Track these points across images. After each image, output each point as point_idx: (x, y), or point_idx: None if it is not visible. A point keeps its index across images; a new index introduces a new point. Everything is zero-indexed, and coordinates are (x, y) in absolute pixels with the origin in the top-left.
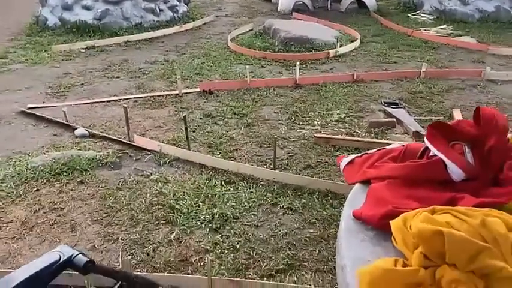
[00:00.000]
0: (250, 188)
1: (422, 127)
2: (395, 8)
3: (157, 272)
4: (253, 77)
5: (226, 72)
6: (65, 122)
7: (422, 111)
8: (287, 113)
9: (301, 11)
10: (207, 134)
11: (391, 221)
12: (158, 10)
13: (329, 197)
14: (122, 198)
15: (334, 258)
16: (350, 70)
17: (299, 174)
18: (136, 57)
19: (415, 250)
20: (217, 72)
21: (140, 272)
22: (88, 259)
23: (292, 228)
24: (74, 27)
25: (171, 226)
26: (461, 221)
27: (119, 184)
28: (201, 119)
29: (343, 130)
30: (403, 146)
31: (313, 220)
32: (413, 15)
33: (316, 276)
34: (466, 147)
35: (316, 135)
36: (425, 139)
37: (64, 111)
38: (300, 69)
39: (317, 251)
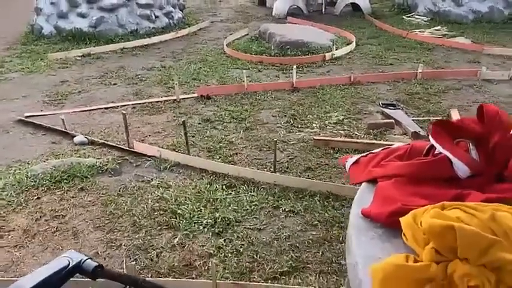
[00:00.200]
0: (251, 192)
1: (421, 128)
2: (390, 10)
3: (161, 277)
4: (250, 81)
5: (223, 77)
6: (63, 129)
7: (420, 112)
8: (285, 116)
9: (295, 15)
10: (206, 138)
11: (400, 218)
12: (153, 17)
13: (330, 199)
14: (124, 205)
15: (338, 260)
16: (347, 72)
17: (299, 176)
18: (133, 64)
19: (426, 246)
20: (214, 77)
21: (144, 277)
22: (97, 264)
23: (295, 230)
24: (70, 35)
25: (174, 231)
26: (471, 216)
27: (120, 190)
28: (199, 124)
29: (342, 132)
30: (409, 144)
31: (316, 222)
32: (407, 17)
33: (321, 278)
34: (470, 144)
35: (315, 137)
36: (430, 137)
37: (62, 119)
38: (296, 72)
39: (320, 253)
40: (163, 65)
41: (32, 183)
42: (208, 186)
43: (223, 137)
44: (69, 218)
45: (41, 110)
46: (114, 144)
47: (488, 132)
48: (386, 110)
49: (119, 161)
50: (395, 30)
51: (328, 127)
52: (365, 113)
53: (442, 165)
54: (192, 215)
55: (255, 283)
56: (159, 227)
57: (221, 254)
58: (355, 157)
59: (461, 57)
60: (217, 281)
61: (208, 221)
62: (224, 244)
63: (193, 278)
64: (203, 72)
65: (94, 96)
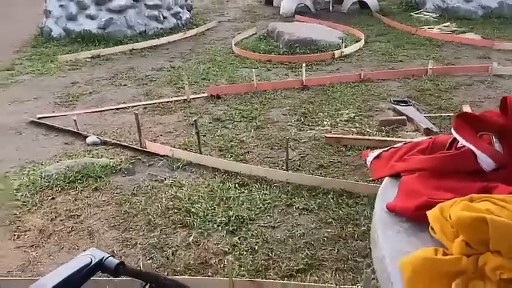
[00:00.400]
0: (264, 190)
1: (433, 124)
2: (398, 7)
3: (177, 275)
4: (259, 80)
5: (232, 76)
6: (75, 130)
7: (432, 108)
8: (296, 114)
9: (303, 14)
10: (217, 137)
11: (427, 212)
12: (162, 17)
13: (344, 196)
14: (138, 204)
15: (354, 257)
16: (356, 70)
17: (312, 174)
18: (142, 65)
19: (455, 239)
20: (223, 76)
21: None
22: (119, 261)
23: (309, 228)
24: (79, 37)
25: (188, 229)
26: (501, 208)
27: (133, 190)
28: (210, 123)
29: (353, 129)
30: (431, 138)
31: (330, 220)
32: (416, 13)
33: (337, 275)
34: (493, 137)
35: (326, 135)
36: (452, 130)
37: (74, 120)
38: (305, 70)
39: (336, 250)
40: (172, 65)
41: (46, 184)
42: (221, 184)
43: (234, 136)
44: (84, 218)
45: (53, 112)
46: (126, 144)
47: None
48: (398, 107)
49: (132, 161)
50: (403, 27)
51: (339, 125)
52: (376, 110)
53: (466, 158)
54: (206, 214)
55: (271, 281)
56: (173, 226)
57: (236, 251)
58: (377, 152)
59: (471, 53)
60: (234, 278)
61: (222, 219)
62: (239, 242)
63: (209, 276)
64: (212, 72)
65: (105, 97)
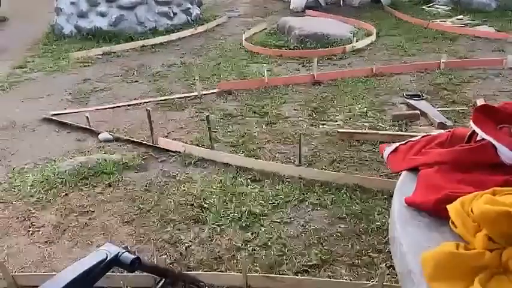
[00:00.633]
0: (276, 186)
1: (447, 118)
2: (409, 1)
3: (191, 271)
4: (270, 75)
5: (243, 71)
6: (88, 127)
7: (445, 102)
8: (307, 109)
9: (313, 8)
10: (228, 133)
11: (448, 206)
12: (172, 14)
13: (357, 192)
14: (151, 200)
15: (369, 253)
16: (368, 64)
17: (325, 169)
18: (153, 61)
19: (478, 233)
20: (234, 72)
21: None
22: (135, 256)
23: (323, 223)
24: (90, 34)
25: (201, 225)
26: None
27: (146, 186)
28: (222, 119)
29: (366, 124)
30: (449, 131)
31: (343, 215)
32: (427, 7)
33: (352, 271)
34: None
35: (339, 130)
36: (471, 123)
37: (87, 117)
38: (317, 65)
39: (350, 246)
40: (183, 61)
41: (60, 180)
42: (233, 180)
43: (245, 131)
44: (98, 214)
45: (65, 108)
46: (139, 141)
47: None
48: (411, 101)
49: (144, 157)
50: (416, 21)
51: (351, 119)
52: (389, 105)
53: (486, 151)
54: (218, 209)
55: (285, 276)
56: (186, 221)
57: (249, 247)
58: (394, 145)
59: (485, 46)
60: (248, 274)
61: (235, 214)
62: (251, 237)
63: (222, 272)
64: (223, 67)
65: (116, 94)
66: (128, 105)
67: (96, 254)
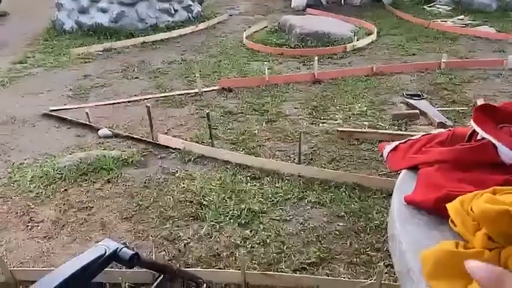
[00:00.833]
0: (276, 183)
1: (447, 118)
2: (410, 0)
3: (189, 268)
4: (271, 73)
5: (244, 69)
6: (87, 123)
7: (445, 102)
8: (308, 108)
9: (315, 7)
10: (229, 131)
11: (447, 204)
12: (173, 10)
13: (357, 190)
14: (150, 196)
15: (367, 251)
16: (369, 63)
17: (324, 168)
18: (154, 58)
19: (477, 232)
20: (234, 69)
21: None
22: (133, 252)
23: (322, 221)
24: (91, 30)
25: (200, 222)
26: None
27: (145, 182)
28: (222, 116)
29: (366, 123)
30: (450, 130)
31: (342, 213)
32: (429, 6)
33: (350, 269)
34: None
35: (339, 129)
36: (472, 122)
37: (86, 113)
38: (317, 64)
39: (348, 244)
40: (183, 58)
41: (59, 176)
42: (233, 177)
43: (246, 129)
44: (97, 210)
45: (65, 104)
46: (138, 137)
47: None
48: (411, 101)
49: (144, 154)
50: (417, 20)
51: (351, 118)
52: (389, 104)
53: (487, 151)
54: (217, 206)
55: (284, 273)
56: (185, 218)
57: (248, 244)
58: (393, 144)
59: (485, 47)
60: (246, 271)
61: (234, 212)
62: (250, 235)
63: (221, 269)
64: (223, 65)
65: (117, 90)
66: (128, 102)
67: (94, 249)
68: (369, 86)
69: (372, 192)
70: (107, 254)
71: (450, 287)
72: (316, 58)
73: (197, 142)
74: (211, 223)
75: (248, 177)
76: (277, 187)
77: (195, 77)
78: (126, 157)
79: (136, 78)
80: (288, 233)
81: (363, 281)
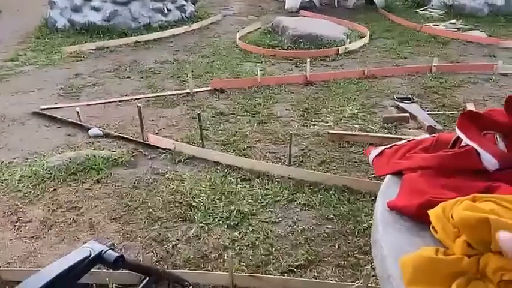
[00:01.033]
0: (265, 185)
1: (437, 122)
2: (403, 4)
3: (177, 269)
4: (263, 74)
5: (236, 70)
6: (78, 122)
7: (436, 106)
8: (299, 110)
9: (308, 9)
10: (220, 132)
11: (429, 211)
12: (166, 10)
13: (346, 193)
14: (139, 197)
15: (355, 254)
16: (360, 66)
17: (314, 170)
18: (146, 57)
19: (457, 239)
20: (227, 70)
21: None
22: (118, 255)
23: (310, 224)
24: (83, 29)
25: (189, 223)
26: (505, 209)
27: (135, 183)
28: (213, 117)
29: (356, 126)
30: (434, 136)
31: (331, 216)
32: (421, 10)
33: (337, 272)
34: (498, 136)
35: (329, 131)
36: (456, 128)
37: (77, 112)
38: (310, 66)
39: (336, 247)
40: (176, 58)
41: (48, 175)
42: (223, 179)
43: (237, 130)
44: (85, 210)
45: (56, 103)
46: (128, 137)
47: None
48: (402, 104)
49: (134, 154)
50: (409, 24)
51: (342, 121)
52: (379, 107)
53: (470, 157)
54: (207, 208)
55: (271, 276)
56: (174, 220)
57: (236, 246)
58: (379, 149)
59: (476, 51)
60: (234, 273)
61: (223, 213)
62: (239, 237)
63: (209, 270)
64: (216, 65)
65: (108, 89)
66: (119, 101)
67: (79, 251)
68: (361, 88)
69: (361, 195)
70: (91, 256)
71: None
72: (309, 60)
73: (188, 143)
74: (200, 224)
75: (238, 179)
76: (267, 189)
77: (187, 77)
78: (116, 157)
79: (128, 77)
80: (277, 235)
81: (350, 284)
